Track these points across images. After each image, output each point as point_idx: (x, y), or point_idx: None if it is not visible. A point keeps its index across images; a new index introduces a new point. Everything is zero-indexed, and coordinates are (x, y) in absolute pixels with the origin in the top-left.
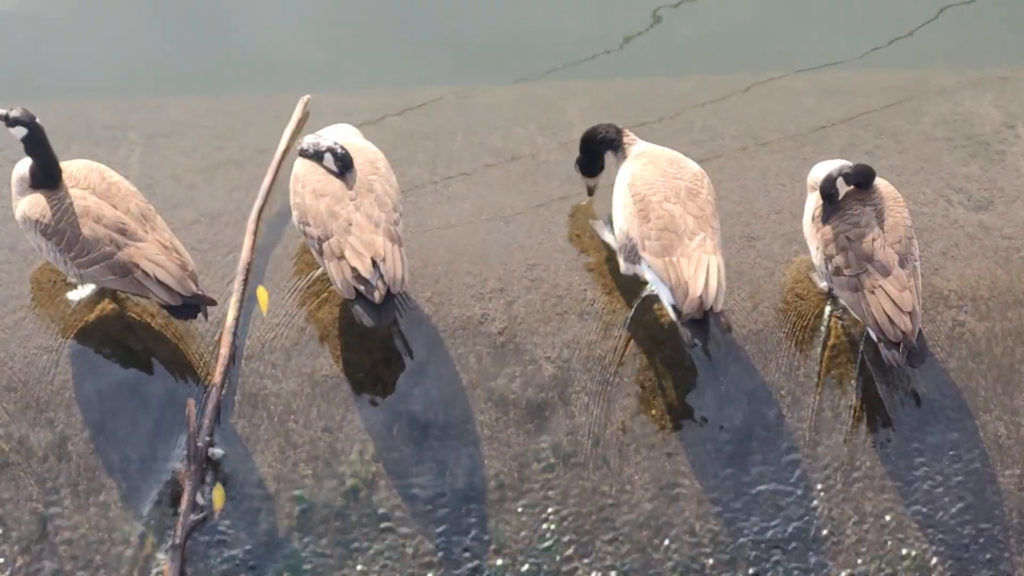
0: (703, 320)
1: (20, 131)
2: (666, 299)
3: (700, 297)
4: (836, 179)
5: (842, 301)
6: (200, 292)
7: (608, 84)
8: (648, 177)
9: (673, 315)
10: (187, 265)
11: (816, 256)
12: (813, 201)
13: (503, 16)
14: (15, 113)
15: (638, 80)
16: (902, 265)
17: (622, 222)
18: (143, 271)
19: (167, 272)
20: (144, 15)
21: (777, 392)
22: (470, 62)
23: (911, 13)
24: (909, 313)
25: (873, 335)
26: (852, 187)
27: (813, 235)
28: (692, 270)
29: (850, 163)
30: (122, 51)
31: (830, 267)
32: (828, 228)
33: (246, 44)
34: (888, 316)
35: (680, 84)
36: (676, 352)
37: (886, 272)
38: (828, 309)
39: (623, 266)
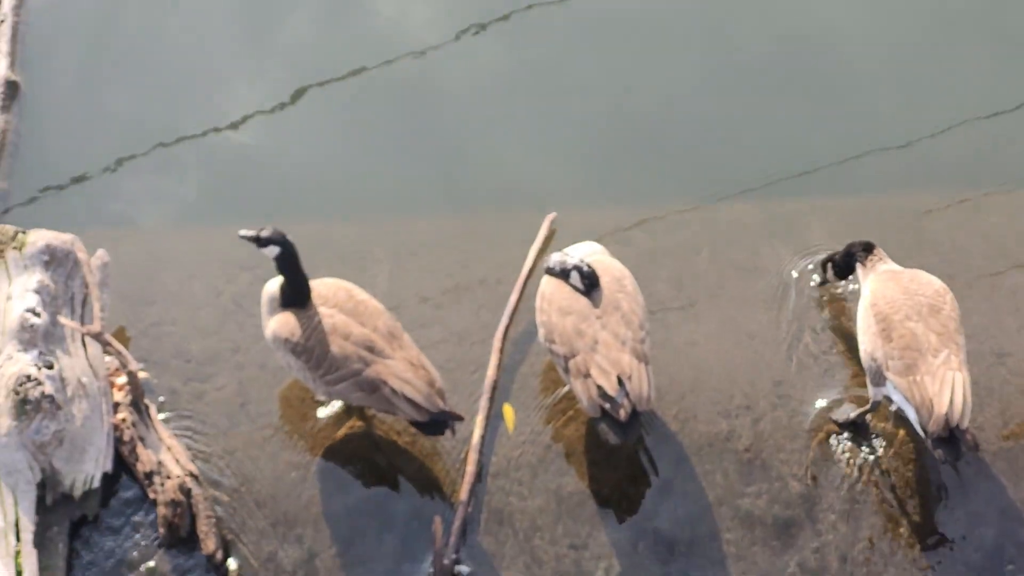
0: (951, 437)
1: (272, 250)
2: (913, 418)
3: (945, 415)
4: None
5: None
6: (447, 409)
7: (854, 200)
8: (889, 295)
9: (921, 434)
10: (435, 382)
11: None
12: None
13: (747, 132)
14: (267, 233)
15: (880, 197)
16: None
17: (866, 344)
18: (391, 388)
19: (415, 389)
20: (389, 136)
21: None
22: (711, 179)
23: None
24: None
25: None
26: None
27: None
28: (937, 387)
29: None
30: (368, 173)
31: None
32: None
33: (491, 163)
34: None
35: (924, 198)
36: (924, 469)
37: None
38: None
39: (871, 391)
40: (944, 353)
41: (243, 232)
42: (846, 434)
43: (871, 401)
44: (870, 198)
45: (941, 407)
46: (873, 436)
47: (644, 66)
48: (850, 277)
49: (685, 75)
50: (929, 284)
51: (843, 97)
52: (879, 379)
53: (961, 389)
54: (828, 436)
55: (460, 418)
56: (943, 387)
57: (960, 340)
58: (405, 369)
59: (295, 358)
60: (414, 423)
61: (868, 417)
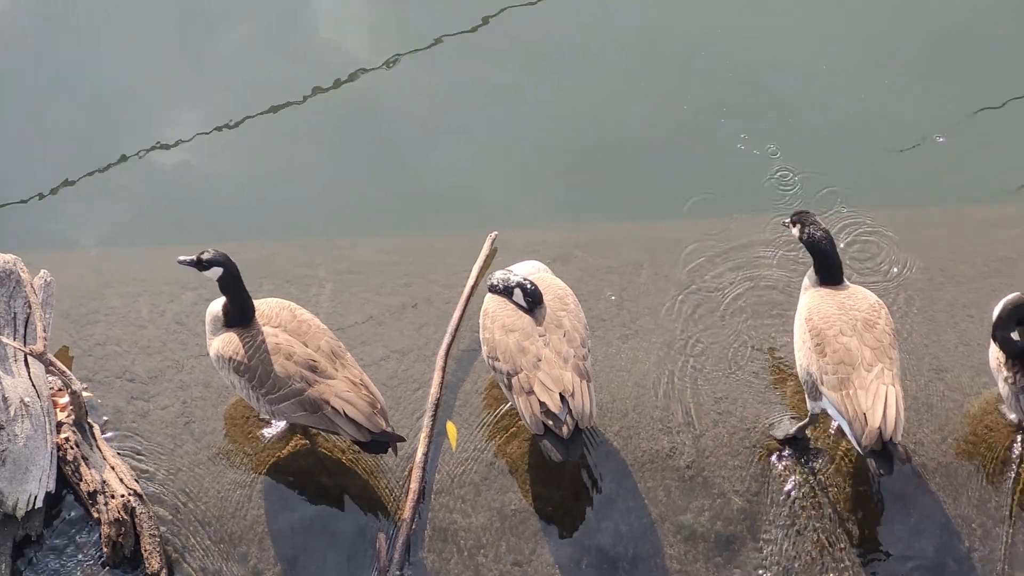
0: (885, 450)
1: (215, 272)
2: (847, 432)
3: (879, 428)
4: (1010, 334)
5: None
6: (389, 429)
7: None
8: (824, 310)
9: (856, 447)
10: (376, 402)
11: (1004, 387)
12: None
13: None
14: (208, 255)
15: (824, 214)
16: None
17: (802, 358)
18: (333, 408)
19: (356, 409)
20: (331, 157)
21: (968, 525)
22: (652, 198)
23: None
24: None
25: None
26: None
27: (1000, 367)
28: (870, 402)
29: (1007, 299)
30: (311, 193)
31: (1023, 397)
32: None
33: (432, 183)
34: None
35: (868, 215)
36: (865, 484)
37: None
38: (1019, 441)
39: (809, 404)
40: (878, 367)
41: (182, 258)
42: (787, 450)
43: (809, 415)
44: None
45: (875, 421)
46: (814, 451)
47: (585, 88)
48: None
49: (625, 97)
50: (865, 299)
51: (780, 118)
52: (815, 393)
53: (894, 403)
54: (769, 452)
55: (401, 439)
56: (876, 401)
57: (894, 354)
58: (347, 389)
59: (238, 377)
60: (356, 442)
61: (808, 432)
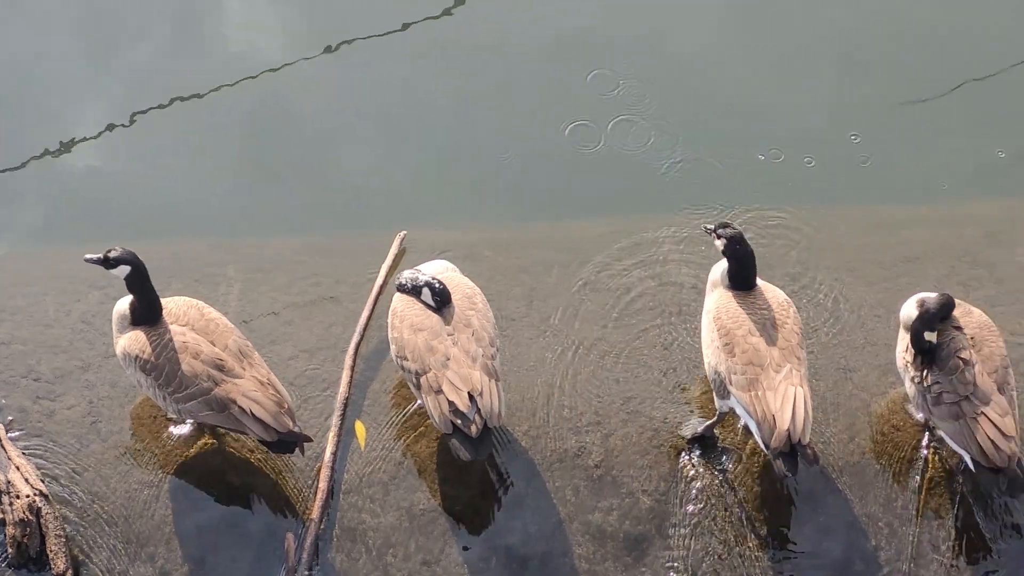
0: (792, 452)
1: (122, 270)
2: (755, 432)
3: (787, 431)
4: (923, 333)
5: (940, 432)
6: (296, 429)
7: (701, 216)
8: (732, 309)
9: (763, 448)
10: (283, 402)
11: (911, 387)
12: (906, 334)
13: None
14: (115, 253)
15: (730, 212)
16: (1001, 393)
17: (710, 357)
18: (239, 407)
19: (263, 408)
20: (240, 157)
21: (875, 524)
22: (560, 197)
23: (1006, 145)
24: (1012, 438)
25: (971, 464)
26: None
27: (908, 367)
28: (778, 403)
29: (932, 299)
30: (219, 192)
31: (930, 396)
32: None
33: (342, 182)
34: (992, 441)
35: (773, 214)
36: (773, 483)
37: (987, 399)
38: (925, 440)
39: (717, 402)
40: (786, 368)
41: (89, 256)
42: (696, 449)
43: (717, 414)
44: (718, 215)
45: (783, 423)
46: (722, 450)
47: (493, 89)
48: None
49: (533, 98)
50: (774, 298)
51: (689, 117)
52: (723, 392)
53: (802, 405)
54: (678, 451)
55: (308, 439)
56: (785, 403)
57: (802, 354)
58: (254, 388)
59: (145, 375)
60: (262, 442)
61: (717, 431)
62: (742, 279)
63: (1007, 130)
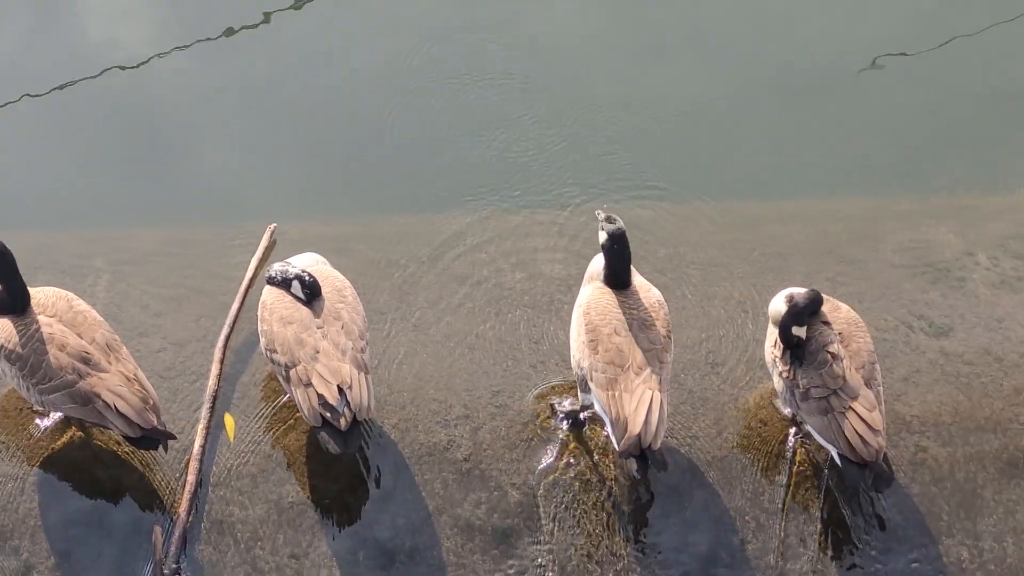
0: (642, 454)
1: None
2: (609, 432)
3: (638, 435)
4: (792, 328)
5: (807, 426)
6: (160, 426)
7: (574, 210)
8: (602, 306)
9: (615, 445)
10: (149, 398)
11: (779, 382)
12: (774, 330)
13: (470, 145)
14: None
15: (603, 205)
16: (868, 388)
17: (575, 351)
18: (104, 401)
19: (128, 404)
20: (111, 148)
21: (742, 518)
22: (430, 190)
23: (871, 141)
24: (879, 432)
25: (838, 459)
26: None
27: (776, 362)
28: (633, 406)
29: (801, 294)
30: (86, 185)
31: (798, 391)
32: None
33: (212, 174)
34: (860, 436)
35: (641, 211)
36: (642, 478)
37: (854, 394)
38: (793, 435)
39: (580, 395)
40: (647, 371)
41: None
42: (564, 439)
43: (581, 403)
44: (589, 208)
45: (635, 427)
46: (591, 444)
47: (364, 84)
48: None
49: (403, 93)
50: (647, 297)
51: (558, 112)
52: (585, 386)
53: (657, 410)
54: (546, 444)
55: (173, 436)
56: (640, 407)
57: (666, 358)
58: (119, 383)
59: (9, 365)
60: (126, 438)
61: (586, 430)
62: (615, 278)
63: (873, 127)
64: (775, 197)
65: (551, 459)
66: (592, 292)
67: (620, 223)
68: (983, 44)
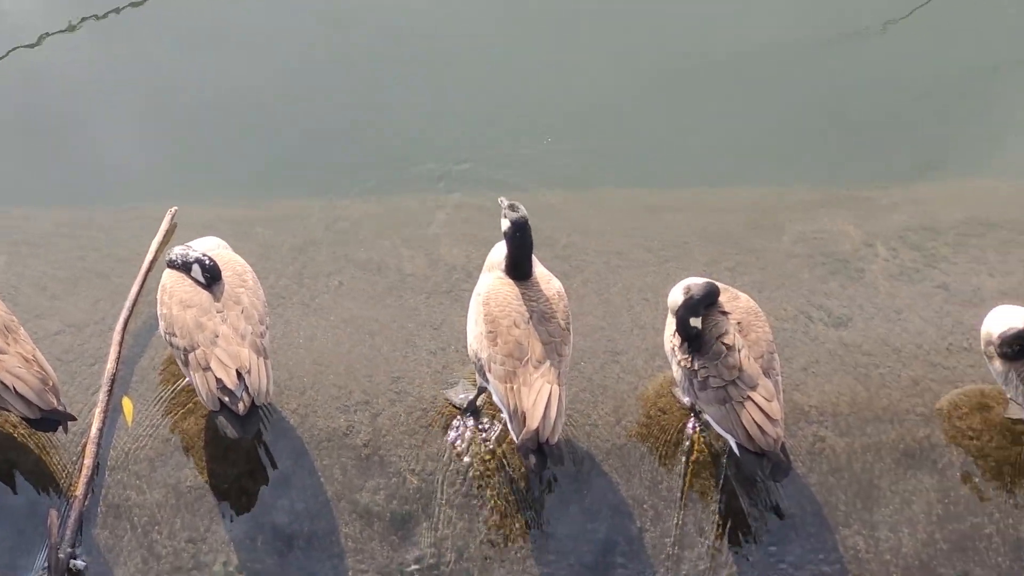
0: (540, 448)
1: None
2: (508, 423)
3: (536, 429)
4: (689, 320)
5: (705, 416)
6: (60, 407)
7: (475, 197)
8: (502, 297)
9: (514, 438)
10: (48, 379)
11: (678, 371)
12: (674, 319)
13: (370, 128)
14: None
15: (506, 192)
16: (767, 377)
17: (473, 340)
18: (2, 383)
19: (27, 385)
20: (2, 127)
21: (640, 506)
22: (336, 174)
23: (772, 131)
24: (778, 422)
25: (736, 448)
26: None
27: (675, 351)
28: (531, 400)
29: (699, 284)
30: None
31: (696, 380)
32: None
33: (112, 156)
34: (759, 426)
35: (545, 198)
36: (540, 472)
37: (753, 384)
38: (691, 424)
39: (478, 379)
40: (546, 364)
41: None
42: (465, 427)
43: (478, 388)
44: (491, 195)
45: (533, 422)
46: (491, 431)
47: (264, 66)
48: None
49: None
50: (548, 289)
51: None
52: (483, 375)
53: (555, 405)
54: (446, 430)
55: (72, 418)
56: (539, 400)
57: (565, 351)
58: (18, 364)
59: None
60: (25, 419)
61: (485, 418)
62: (517, 267)
63: (776, 118)
64: (678, 186)
65: (450, 446)
66: (493, 282)
67: (523, 211)
68: (884, 37)
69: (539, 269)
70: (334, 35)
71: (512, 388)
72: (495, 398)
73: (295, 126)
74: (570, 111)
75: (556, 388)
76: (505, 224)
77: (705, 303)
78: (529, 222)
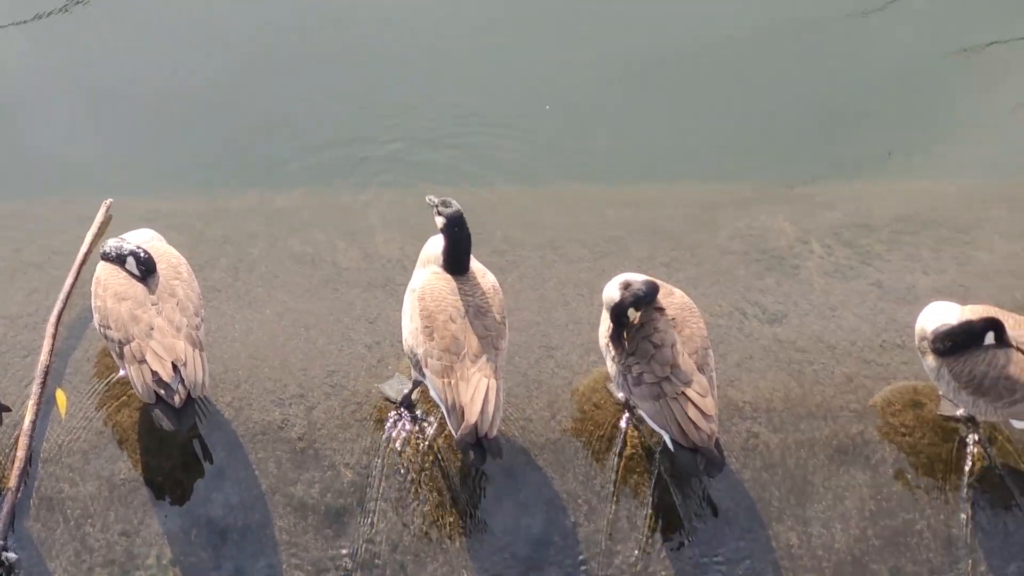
0: (478, 442)
1: None
2: (446, 418)
3: (475, 424)
4: (627, 308)
5: (639, 411)
6: None
7: (410, 191)
8: (438, 292)
9: (453, 433)
10: None
11: (612, 367)
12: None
13: (303, 121)
14: None
15: (442, 188)
16: (701, 373)
17: (408, 336)
18: None
19: None
20: None
21: (574, 501)
22: (271, 167)
23: (714, 129)
24: (712, 418)
25: (670, 444)
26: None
27: (609, 346)
28: (470, 395)
29: (640, 282)
30: None
31: (630, 376)
32: (627, 337)
33: (45, 147)
34: (693, 421)
35: (483, 193)
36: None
37: (687, 380)
38: (625, 419)
39: (412, 372)
40: (483, 359)
41: None
42: (401, 422)
43: (413, 381)
44: (422, 189)
45: (472, 416)
46: (426, 425)
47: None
48: None
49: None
50: (483, 283)
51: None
52: (419, 370)
53: (493, 398)
54: (381, 423)
55: (7, 409)
56: (476, 395)
57: (501, 344)
58: None
59: None
60: None
61: (418, 413)
62: (455, 262)
63: (713, 115)
64: (615, 182)
65: (385, 439)
66: (428, 277)
67: (456, 206)
68: (825, 36)
69: (474, 263)
70: (271, 28)
71: (450, 383)
72: (432, 393)
73: (231, 119)
74: (510, 106)
75: (494, 382)
76: (440, 221)
77: (645, 302)
78: (464, 216)
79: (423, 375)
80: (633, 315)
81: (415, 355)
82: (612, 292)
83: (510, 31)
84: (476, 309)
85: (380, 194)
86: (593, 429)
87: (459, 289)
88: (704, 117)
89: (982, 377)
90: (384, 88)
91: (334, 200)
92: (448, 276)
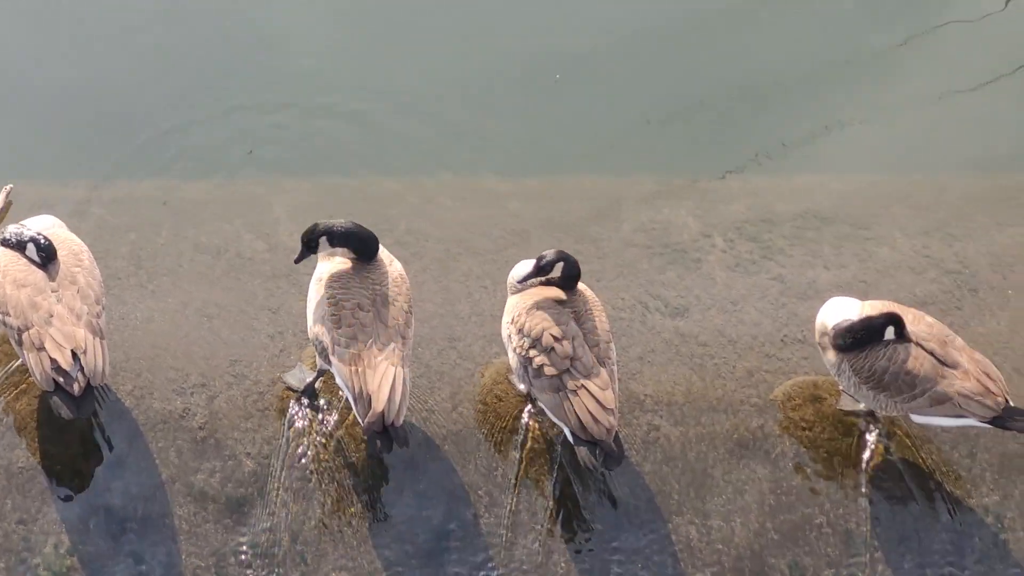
0: (385, 431)
1: None
2: (352, 406)
3: (382, 412)
4: (557, 262)
5: (540, 403)
6: None
7: (317, 183)
8: (345, 279)
9: (361, 422)
10: None
11: (514, 359)
12: (512, 303)
13: (211, 110)
14: None
15: (346, 179)
16: (602, 366)
17: (313, 323)
18: None
19: None
20: None
21: (475, 492)
22: (176, 156)
23: (615, 122)
24: (612, 411)
25: (570, 437)
26: (558, 281)
27: (511, 338)
28: (376, 383)
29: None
30: None
31: (531, 368)
32: (532, 326)
33: None
34: (592, 415)
35: (388, 184)
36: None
37: (588, 373)
38: (526, 411)
39: (318, 361)
40: (390, 347)
41: None
42: (302, 412)
43: (318, 369)
44: (335, 181)
45: (379, 404)
46: (328, 416)
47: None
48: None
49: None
50: (390, 272)
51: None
52: (326, 359)
53: (400, 387)
54: (283, 414)
55: None
56: (383, 383)
57: (408, 333)
58: None
59: None
60: None
61: (320, 403)
62: (363, 252)
63: (617, 108)
64: (520, 175)
65: (287, 429)
66: (334, 265)
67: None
68: (726, 30)
69: (382, 251)
70: (170, 15)
71: (357, 371)
72: (338, 381)
73: (135, 106)
74: (415, 97)
75: (401, 370)
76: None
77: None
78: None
79: (329, 363)
80: (558, 271)
81: (321, 343)
82: (520, 270)
83: (415, 30)
84: (383, 298)
85: (282, 184)
86: (495, 421)
87: (366, 278)
88: (608, 111)
89: (882, 372)
90: (289, 80)
91: (240, 190)
92: (355, 264)
